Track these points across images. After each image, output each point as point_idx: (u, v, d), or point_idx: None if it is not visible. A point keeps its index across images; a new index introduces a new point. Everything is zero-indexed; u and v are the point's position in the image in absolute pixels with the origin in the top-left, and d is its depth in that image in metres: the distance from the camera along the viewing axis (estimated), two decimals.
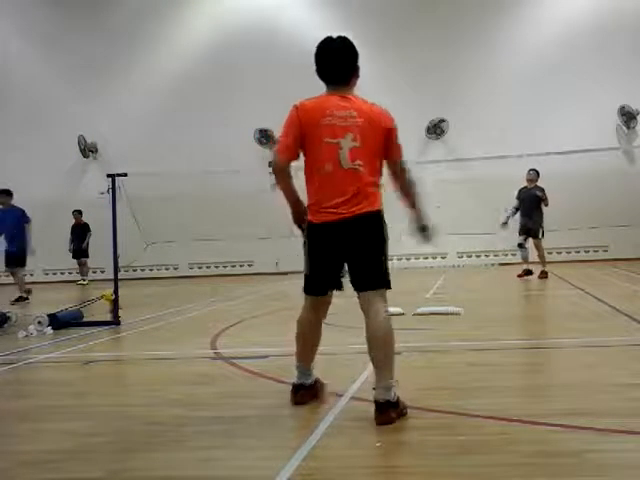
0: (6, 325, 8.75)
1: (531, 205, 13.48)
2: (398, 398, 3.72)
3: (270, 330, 7.82)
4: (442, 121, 19.45)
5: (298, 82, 19.65)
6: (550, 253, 18.70)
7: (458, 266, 19.15)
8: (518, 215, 13.78)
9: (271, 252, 19.73)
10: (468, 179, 18.11)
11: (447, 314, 7.92)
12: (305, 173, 3.94)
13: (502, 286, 12.87)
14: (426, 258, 19.03)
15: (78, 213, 19.07)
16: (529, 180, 13.76)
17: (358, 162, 3.76)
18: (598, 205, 17.89)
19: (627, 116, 18.90)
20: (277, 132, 18.58)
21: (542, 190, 13.51)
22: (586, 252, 18.82)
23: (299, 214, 4.04)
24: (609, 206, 17.82)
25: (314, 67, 4.08)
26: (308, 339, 4.24)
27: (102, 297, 8.76)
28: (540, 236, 13.48)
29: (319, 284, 4.02)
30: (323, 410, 3.90)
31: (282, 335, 7.36)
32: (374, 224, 3.82)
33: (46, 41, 21.67)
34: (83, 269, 19.10)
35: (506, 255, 18.83)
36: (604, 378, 4.48)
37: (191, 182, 18.65)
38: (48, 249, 20.35)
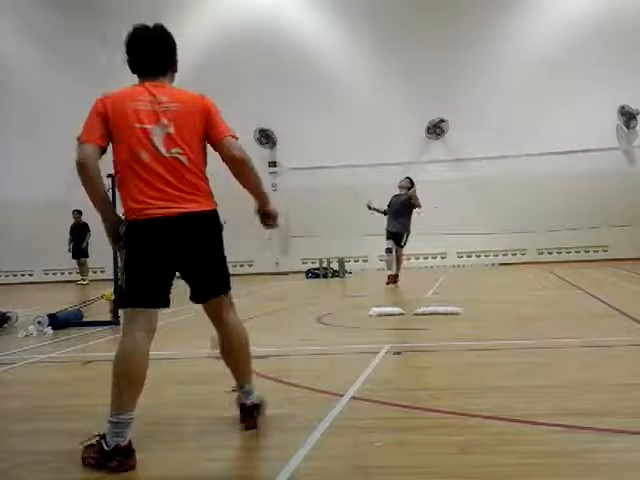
0: (6, 325, 8.75)
1: (397, 212, 13.54)
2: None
3: (270, 330, 7.82)
4: (442, 121, 19.44)
5: (297, 82, 19.84)
6: (550, 253, 18.77)
7: (458, 266, 19.15)
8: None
9: (271, 252, 19.74)
10: (468, 179, 18.12)
11: (447, 314, 7.92)
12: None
13: (502, 286, 12.87)
14: (426, 258, 19.03)
15: (78, 213, 19.06)
16: (400, 187, 13.85)
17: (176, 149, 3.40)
18: (598, 205, 17.90)
19: (627, 116, 18.90)
20: (277, 132, 18.50)
21: (410, 198, 13.53)
22: (586, 252, 18.82)
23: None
24: (609, 206, 17.83)
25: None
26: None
27: (102, 297, 8.76)
28: (403, 244, 13.56)
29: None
30: (323, 410, 3.90)
31: (282, 335, 7.37)
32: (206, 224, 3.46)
33: (46, 41, 21.68)
34: (83, 269, 19.10)
35: (506, 255, 18.85)
36: (604, 378, 4.48)
37: None
38: (48, 249, 20.41)
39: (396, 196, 13.99)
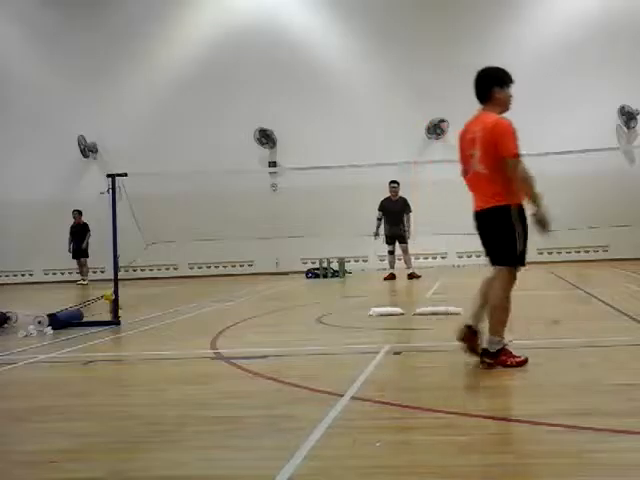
0: (6, 325, 8.75)
1: (397, 218, 14.96)
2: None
3: (270, 330, 7.82)
4: (442, 121, 19.43)
5: (298, 82, 19.84)
6: (550, 253, 18.72)
7: (458, 266, 19.14)
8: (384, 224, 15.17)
9: (271, 252, 19.73)
10: None
11: (447, 314, 7.92)
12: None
13: None
14: (426, 258, 19.02)
15: (78, 213, 19.07)
16: (394, 192, 15.17)
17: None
18: (598, 205, 17.88)
19: (627, 116, 18.89)
20: (277, 132, 18.46)
21: (408, 205, 15.07)
22: (586, 252, 18.80)
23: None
24: (609, 206, 17.82)
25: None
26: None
27: (102, 297, 8.76)
28: (406, 241, 15.07)
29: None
30: (323, 410, 3.90)
31: (282, 335, 7.38)
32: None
33: (46, 41, 21.67)
34: (83, 269, 19.10)
35: None
36: (604, 378, 4.48)
37: (191, 182, 18.65)
38: (48, 249, 20.41)
39: (390, 201, 14.98)
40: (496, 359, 4.81)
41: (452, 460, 3.03)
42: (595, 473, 2.83)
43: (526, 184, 4.79)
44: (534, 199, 4.80)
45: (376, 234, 15.09)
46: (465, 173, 5.17)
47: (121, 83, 21.24)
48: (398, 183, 15.22)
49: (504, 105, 5.08)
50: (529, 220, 4.88)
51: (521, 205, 4.90)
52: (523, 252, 4.92)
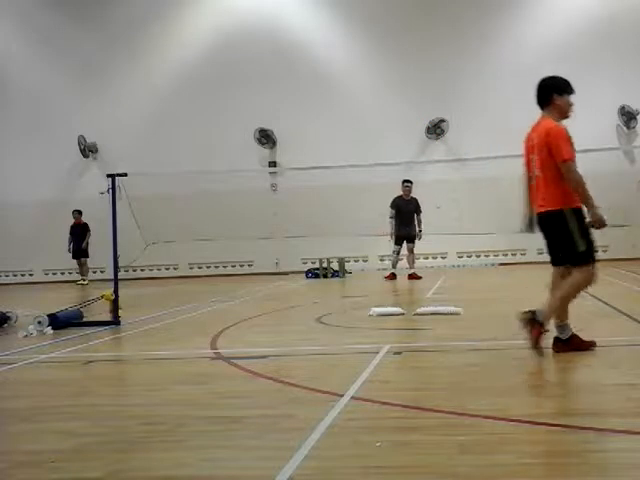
0: (6, 325, 8.76)
1: (409, 217, 14.99)
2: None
3: (270, 330, 7.83)
4: (442, 121, 19.43)
5: (298, 82, 19.84)
6: None
7: (458, 266, 19.14)
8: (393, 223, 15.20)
9: (271, 252, 19.74)
10: (468, 179, 18.10)
11: (447, 314, 7.92)
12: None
13: (502, 286, 12.87)
14: (426, 258, 19.01)
15: (78, 213, 19.08)
16: (407, 192, 15.15)
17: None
18: (598, 205, 17.86)
19: (627, 116, 18.88)
20: (277, 132, 18.48)
21: (419, 206, 15.10)
22: None
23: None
24: (609, 206, 17.71)
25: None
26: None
27: (102, 297, 8.76)
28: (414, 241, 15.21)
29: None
30: (323, 410, 3.90)
31: (282, 335, 7.38)
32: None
33: (46, 41, 21.67)
34: (83, 269, 19.11)
35: (506, 255, 18.83)
36: (604, 378, 4.48)
37: (191, 182, 18.65)
38: (48, 249, 20.42)
39: (403, 200, 14.96)
40: (537, 330, 5.08)
41: (452, 460, 3.03)
42: (595, 473, 2.83)
43: (578, 188, 5.11)
44: (586, 202, 5.13)
45: (392, 234, 14.97)
46: (527, 178, 5.45)
47: (121, 83, 21.24)
48: (411, 182, 15.16)
49: (563, 112, 5.38)
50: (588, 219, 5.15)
51: (578, 206, 5.17)
52: (587, 250, 5.11)
